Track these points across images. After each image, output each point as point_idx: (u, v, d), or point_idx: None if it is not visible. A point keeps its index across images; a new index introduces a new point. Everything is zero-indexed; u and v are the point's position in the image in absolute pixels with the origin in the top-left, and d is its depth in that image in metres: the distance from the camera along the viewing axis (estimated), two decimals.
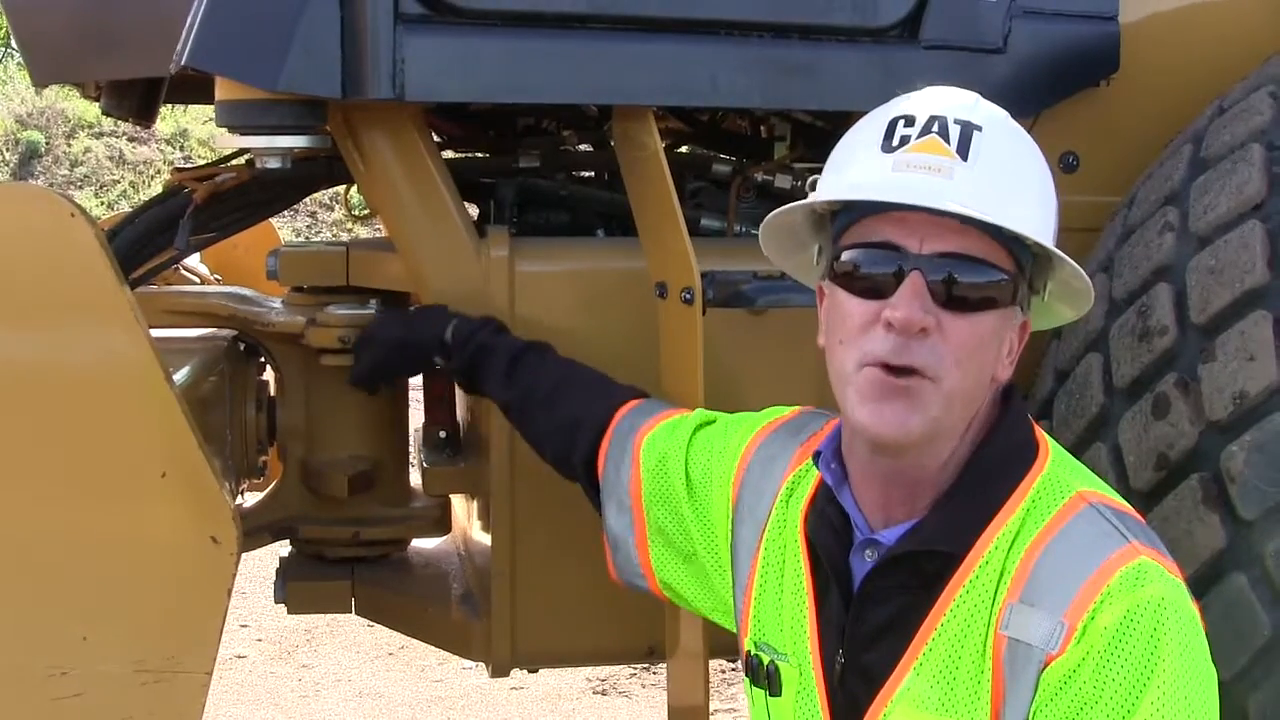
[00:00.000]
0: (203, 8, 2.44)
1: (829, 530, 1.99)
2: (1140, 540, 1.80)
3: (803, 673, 2.01)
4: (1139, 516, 1.90)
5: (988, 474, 1.88)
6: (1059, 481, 1.88)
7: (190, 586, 2.08)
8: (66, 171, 14.84)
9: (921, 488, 1.90)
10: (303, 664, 5.72)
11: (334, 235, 12.22)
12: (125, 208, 13.50)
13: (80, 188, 14.37)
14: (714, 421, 2.33)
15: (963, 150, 1.83)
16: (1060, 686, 1.73)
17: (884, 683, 1.89)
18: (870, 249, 1.85)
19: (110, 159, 14.99)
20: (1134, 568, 1.75)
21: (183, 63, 2.44)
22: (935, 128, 1.84)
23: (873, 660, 1.91)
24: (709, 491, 2.24)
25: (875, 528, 1.94)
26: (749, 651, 2.11)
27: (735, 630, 2.18)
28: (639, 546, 2.34)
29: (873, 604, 1.91)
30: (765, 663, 2.06)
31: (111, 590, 2.09)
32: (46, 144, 15.09)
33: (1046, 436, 1.97)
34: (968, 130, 1.84)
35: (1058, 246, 1.87)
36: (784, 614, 2.05)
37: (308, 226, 14.03)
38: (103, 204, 14.02)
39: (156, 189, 13.25)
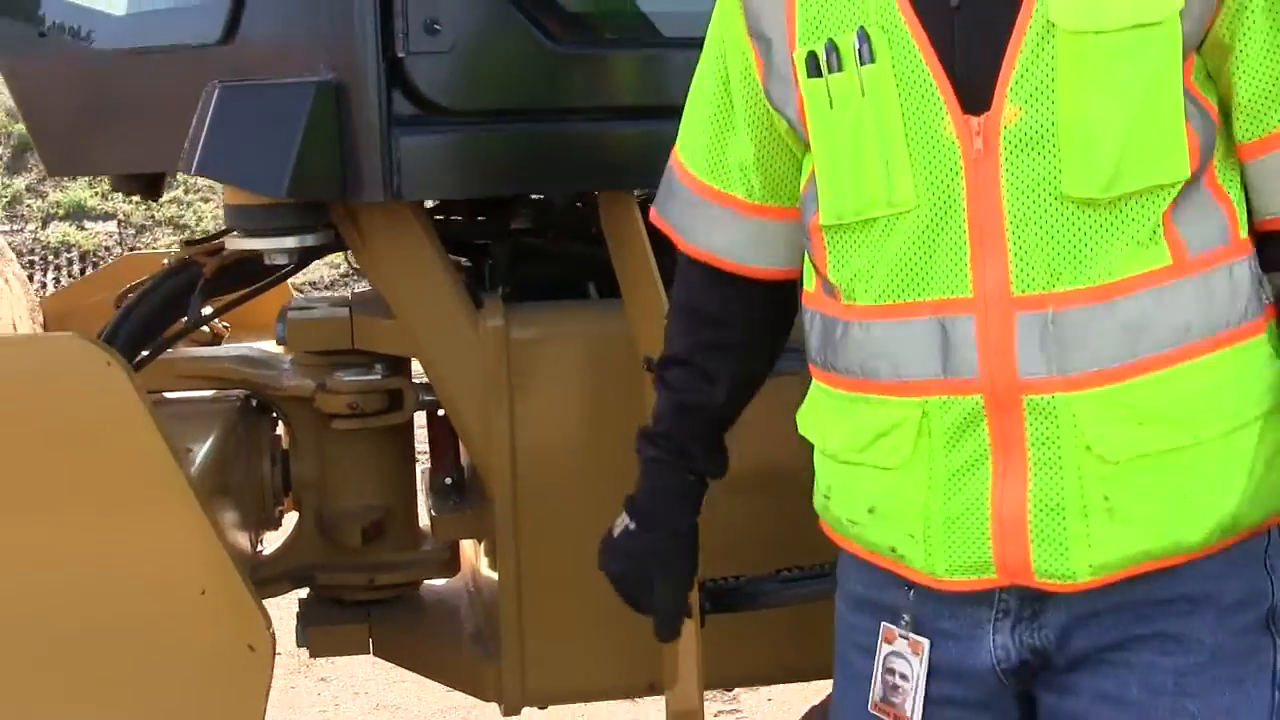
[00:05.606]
0: (209, 117, 2.55)
1: None
2: None
3: (893, 36, 1.69)
4: None
5: None
6: None
7: (231, 693, 2.22)
8: None
9: None
10: (321, 677, 5.75)
11: (338, 272, 12.10)
12: (120, 203, 13.59)
13: (74, 179, 14.34)
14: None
15: None
16: None
17: None
18: None
19: None
20: None
21: (192, 172, 2.57)
22: None
23: None
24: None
25: None
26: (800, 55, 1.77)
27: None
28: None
29: None
30: (839, 44, 1.72)
31: (155, 701, 2.22)
32: None
33: None
34: None
35: None
36: None
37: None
38: (96, 194, 14.04)
39: None
